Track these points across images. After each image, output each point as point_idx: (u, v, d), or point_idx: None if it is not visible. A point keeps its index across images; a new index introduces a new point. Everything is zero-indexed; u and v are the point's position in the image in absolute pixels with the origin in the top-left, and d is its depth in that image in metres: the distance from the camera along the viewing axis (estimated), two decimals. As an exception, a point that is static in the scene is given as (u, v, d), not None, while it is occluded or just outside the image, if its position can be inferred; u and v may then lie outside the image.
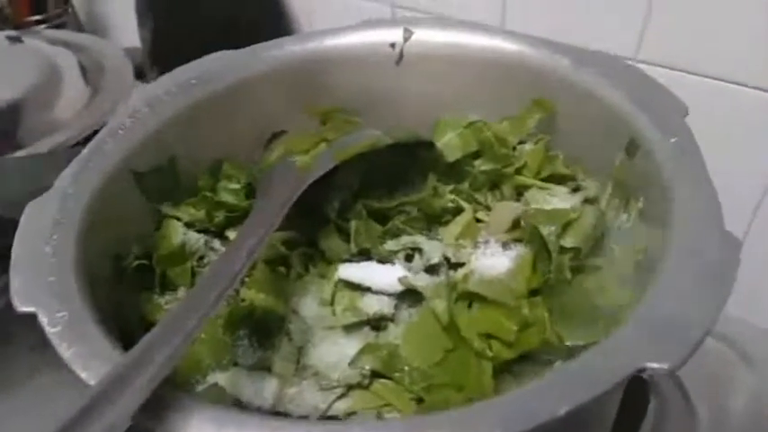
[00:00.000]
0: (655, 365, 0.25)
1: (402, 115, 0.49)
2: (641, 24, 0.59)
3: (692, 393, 0.56)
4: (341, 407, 0.34)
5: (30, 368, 0.51)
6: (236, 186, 0.46)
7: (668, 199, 0.34)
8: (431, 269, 0.38)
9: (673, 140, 0.36)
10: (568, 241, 0.38)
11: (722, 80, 0.57)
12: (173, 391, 0.26)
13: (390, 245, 0.39)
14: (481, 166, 0.46)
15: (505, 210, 0.40)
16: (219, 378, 0.34)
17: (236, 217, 0.44)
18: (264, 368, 0.35)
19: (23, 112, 0.68)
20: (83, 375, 0.27)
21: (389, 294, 0.37)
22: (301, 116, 0.50)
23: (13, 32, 0.79)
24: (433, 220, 0.44)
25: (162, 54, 0.80)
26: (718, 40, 0.55)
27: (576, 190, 0.43)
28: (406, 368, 0.34)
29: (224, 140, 0.47)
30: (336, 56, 0.49)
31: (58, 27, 0.93)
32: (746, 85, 0.56)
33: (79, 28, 1.00)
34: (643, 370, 0.25)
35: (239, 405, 0.34)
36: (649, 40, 0.59)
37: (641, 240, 0.38)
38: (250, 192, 0.45)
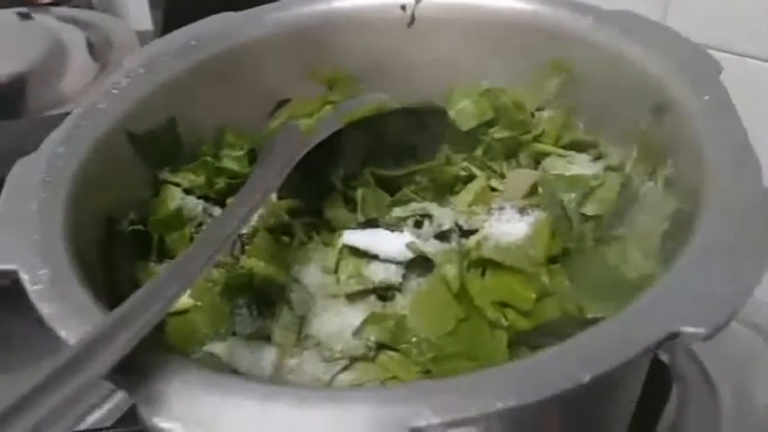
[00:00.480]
0: (690, 329, 0.22)
1: (413, 83, 0.47)
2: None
3: (716, 378, 0.54)
4: (344, 379, 0.32)
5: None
6: (239, 153, 0.44)
7: (701, 161, 0.32)
8: (441, 236, 0.36)
9: (706, 98, 0.33)
10: (590, 209, 0.36)
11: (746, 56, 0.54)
12: (159, 353, 0.24)
13: (398, 211, 0.37)
14: (496, 133, 0.43)
15: (522, 176, 0.37)
16: (216, 347, 0.32)
17: (238, 184, 0.41)
18: (264, 338, 0.33)
19: (29, 85, 0.67)
20: (62, 334, 0.25)
21: (397, 262, 0.35)
22: (307, 83, 0.48)
23: (23, 9, 0.79)
24: (445, 190, 0.41)
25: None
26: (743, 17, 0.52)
27: (597, 158, 0.41)
28: (414, 339, 0.32)
29: (226, 107, 0.45)
30: (344, 18, 0.46)
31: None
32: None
33: (90, 9, 0.98)
34: (676, 334, 0.22)
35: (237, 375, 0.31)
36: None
37: (668, 208, 0.35)
38: (253, 158, 0.43)
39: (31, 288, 0.27)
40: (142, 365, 0.24)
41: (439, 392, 0.21)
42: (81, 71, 0.72)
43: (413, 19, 0.47)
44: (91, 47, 0.76)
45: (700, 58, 0.37)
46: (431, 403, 0.21)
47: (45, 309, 0.26)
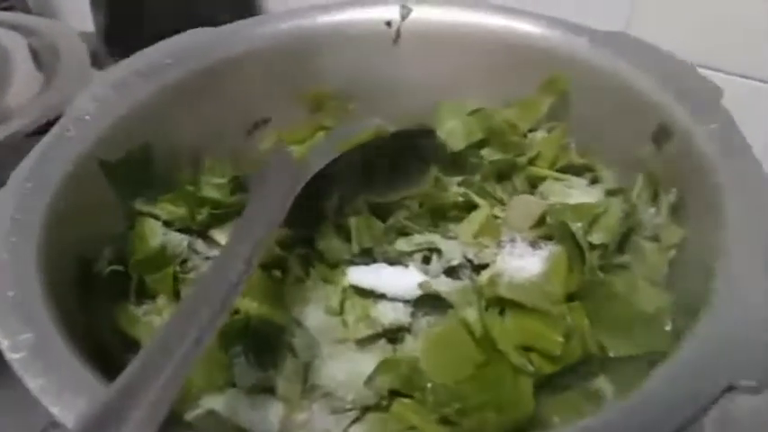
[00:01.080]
0: (747, 383, 0.21)
1: (399, 101, 0.45)
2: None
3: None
4: (356, 432, 0.29)
5: None
6: (221, 181, 0.41)
7: (713, 191, 0.31)
8: (450, 271, 0.34)
9: (713, 126, 0.33)
10: (596, 237, 0.35)
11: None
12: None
13: (402, 244, 0.35)
14: (489, 156, 0.42)
15: (527, 204, 0.36)
16: (214, 403, 0.29)
17: (222, 214, 0.38)
18: (266, 390, 0.30)
19: (-34, 99, 0.61)
20: (54, 411, 0.22)
21: (405, 301, 0.33)
22: (288, 102, 0.45)
23: (-45, 14, 0.72)
24: (439, 216, 0.39)
25: (119, 39, 0.74)
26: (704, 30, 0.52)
27: (594, 182, 0.40)
28: (429, 385, 0.30)
29: (203, 128, 0.42)
30: (327, 35, 0.44)
31: (4, 9, 0.85)
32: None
33: (27, 12, 0.92)
34: (731, 388, 0.21)
35: (241, 432, 0.29)
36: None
37: (674, 237, 0.35)
38: (236, 186, 0.40)
39: (13, 357, 0.23)
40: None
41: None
42: (26, 82, 0.67)
43: (398, 35, 0.45)
44: (35, 55, 0.70)
45: (699, 82, 0.36)
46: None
47: (31, 382, 0.22)
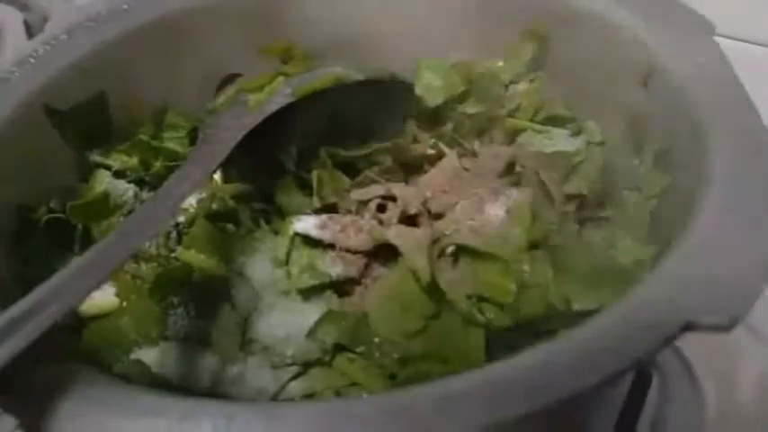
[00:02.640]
0: (709, 319, 0.18)
1: (376, 58, 0.42)
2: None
3: (699, 373, 0.50)
4: (296, 388, 0.27)
5: None
6: (181, 134, 0.39)
7: (700, 132, 0.28)
8: (408, 221, 0.31)
9: (701, 60, 0.29)
10: (572, 187, 0.32)
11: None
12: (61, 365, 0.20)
13: (357, 194, 0.33)
14: (468, 108, 0.39)
15: (495, 152, 0.33)
16: (145, 354, 0.27)
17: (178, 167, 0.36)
18: (202, 343, 0.28)
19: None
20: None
21: (357, 252, 0.30)
22: (258, 57, 0.43)
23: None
24: (411, 170, 0.37)
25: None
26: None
27: (577, 133, 0.37)
28: (377, 340, 0.27)
29: (166, 82, 0.40)
30: (299, -15, 0.42)
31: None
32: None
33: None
34: (692, 326, 0.18)
35: (169, 387, 0.27)
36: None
37: (658, 186, 0.31)
38: (195, 138, 0.38)
39: None
40: (34, 380, 0.19)
41: (409, 406, 0.17)
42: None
43: (375, -14, 0.42)
44: (29, 29, 0.70)
45: (689, 17, 0.33)
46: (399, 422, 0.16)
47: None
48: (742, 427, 0.48)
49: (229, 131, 0.32)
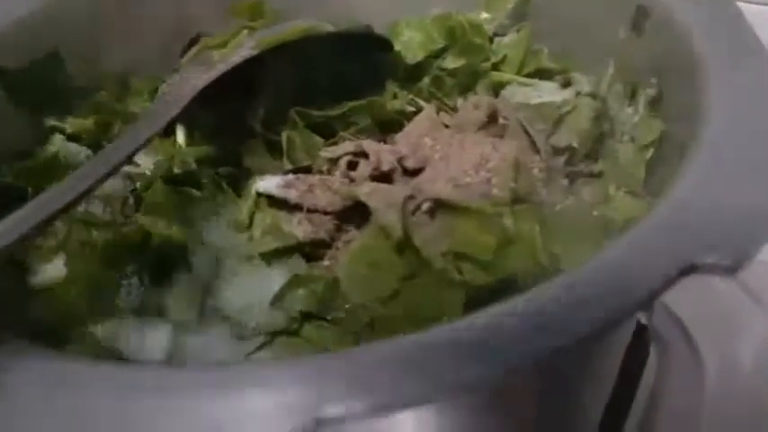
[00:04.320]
0: (711, 260, 0.16)
1: (352, 17, 0.40)
2: None
3: (698, 340, 0.48)
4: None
5: None
6: (144, 97, 0.36)
7: (696, 72, 0.26)
8: (382, 178, 0.29)
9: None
10: (560, 139, 0.30)
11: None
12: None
13: (328, 152, 0.30)
14: (450, 63, 0.37)
15: (476, 103, 0.30)
16: (96, 327, 0.25)
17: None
18: (158, 314, 0.26)
19: None
20: None
21: (327, 213, 0.28)
22: (227, 18, 0.40)
23: None
24: (390, 129, 0.34)
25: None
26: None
27: (566, 85, 0.34)
28: (348, 306, 0.25)
29: (130, 42, 0.38)
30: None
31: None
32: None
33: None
34: (694, 267, 0.16)
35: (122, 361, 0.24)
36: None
37: (652, 134, 0.29)
38: (157, 98, 0.35)
39: None
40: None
41: (361, 365, 0.15)
42: None
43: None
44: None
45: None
46: (345, 383, 0.14)
47: None
48: (742, 398, 0.46)
49: (188, 87, 0.30)
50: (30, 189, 0.30)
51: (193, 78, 0.31)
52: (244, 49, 0.32)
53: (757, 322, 0.51)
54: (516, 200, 0.26)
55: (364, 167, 0.28)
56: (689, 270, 0.16)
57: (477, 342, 0.15)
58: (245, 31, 0.35)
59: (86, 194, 0.23)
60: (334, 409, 0.14)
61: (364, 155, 0.29)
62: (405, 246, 0.24)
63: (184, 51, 0.40)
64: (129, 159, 0.26)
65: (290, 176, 0.29)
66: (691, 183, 0.19)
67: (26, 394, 0.17)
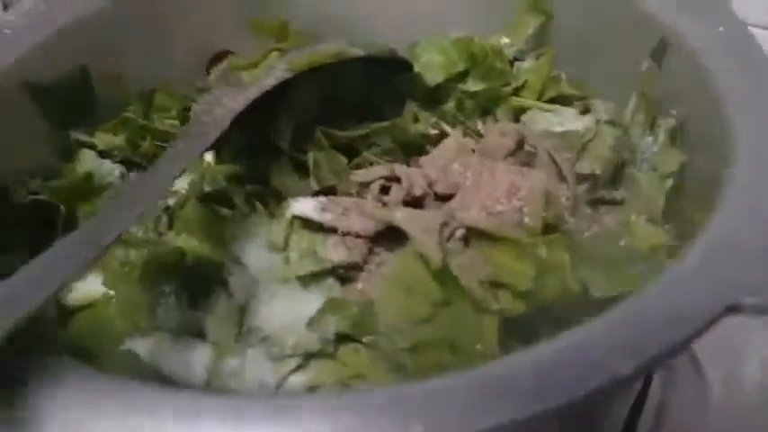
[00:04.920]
0: (753, 301, 0.17)
1: (372, 38, 0.40)
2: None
3: (702, 358, 0.49)
4: (298, 381, 0.25)
5: None
6: (172, 114, 0.37)
7: (718, 104, 0.27)
8: (413, 203, 0.30)
9: (720, 29, 0.28)
10: (584, 167, 0.31)
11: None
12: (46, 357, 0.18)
13: (359, 176, 0.31)
14: (471, 86, 0.37)
15: (504, 131, 0.31)
16: (135, 345, 0.26)
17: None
18: (196, 334, 0.26)
19: None
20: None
21: (360, 236, 0.28)
22: (249, 34, 0.41)
23: None
24: (412, 152, 0.35)
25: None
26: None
27: (585, 112, 0.35)
28: (383, 329, 0.26)
29: (153, 59, 0.38)
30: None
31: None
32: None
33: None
34: (736, 308, 0.17)
35: (162, 380, 0.25)
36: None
37: (672, 164, 0.30)
38: (186, 118, 0.36)
39: None
40: (16, 373, 0.17)
41: (430, 400, 0.15)
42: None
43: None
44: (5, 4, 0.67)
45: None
46: (422, 417, 0.15)
47: None
48: (746, 413, 0.47)
49: (223, 109, 0.30)
50: (62, 207, 0.31)
51: (226, 99, 0.32)
52: (276, 71, 0.33)
53: (760, 340, 0.52)
54: (546, 228, 0.27)
55: (397, 192, 0.29)
56: (732, 310, 0.17)
57: (535, 380, 0.16)
58: (275, 54, 0.35)
59: (137, 221, 0.23)
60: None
61: (396, 179, 0.30)
62: (442, 273, 0.25)
63: (209, 67, 0.41)
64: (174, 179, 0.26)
65: (324, 199, 0.29)
66: (729, 221, 0.20)
67: (74, 415, 0.17)
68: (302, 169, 0.34)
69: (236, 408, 0.17)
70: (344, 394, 0.20)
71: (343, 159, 0.34)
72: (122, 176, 0.32)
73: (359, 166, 0.34)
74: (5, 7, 0.66)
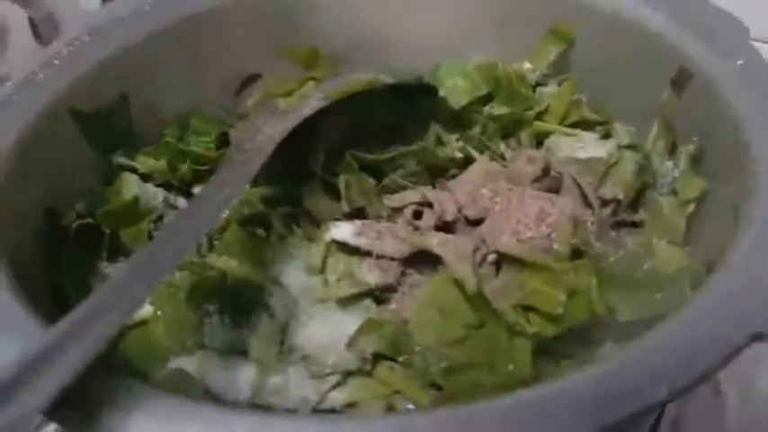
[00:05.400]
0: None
1: (399, 61, 0.42)
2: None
3: (720, 376, 0.50)
4: (337, 398, 0.27)
5: None
6: (207, 139, 0.38)
7: (739, 133, 0.28)
8: (444, 228, 0.31)
9: (739, 63, 0.29)
10: (607, 192, 0.32)
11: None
12: (111, 378, 0.19)
13: (392, 200, 0.32)
14: (494, 110, 0.39)
15: (530, 157, 0.32)
16: (184, 363, 0.27)
17: (206, 171, 0.36)
18: (240, 352, 0.28)
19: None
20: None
21: (394, 259, 0.30)
22: (278, 58, 0.42)
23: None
24: (437, 174, 0.36)
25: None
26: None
27: (606, 137, 0.37)
28: (418, 349, 0.27)
29: (187, 84, 0.40)
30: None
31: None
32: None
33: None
34: (761, 335, 0.18)
35: (210, 396, 0.26)
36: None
37: (693, 190, 0.31)
38: (223, 142, 0.37)
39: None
40: (88, 395, 0.19)
41: (469, 424, 0.17)
42: (22, 53, 0.65)
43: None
44: (34, 26, 0.69)
45: (723, 19, 0.33)
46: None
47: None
48: (762, 428, 0.48)
49: (264, 136, 0.32)
50: (107, 230, 0.32)
51: (267, 127, 0.33)
52: (312, 99, 0.34)
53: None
54: (574, 253, 0.28)
55: (429, 217, 0.30)
56: (757, 338, 0.18)
57: (573, 404, 0.17)
58: (311, 82, 0.37)
59: (193, 246, 0.24)
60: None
61: (428, 204, 0.31)
62: (477, 297, 0.26)
63: (239, 91, 0.43)
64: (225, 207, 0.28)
65: (359, 224, 0.30)
66: (751, 250, 0.22)
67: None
68: (332, 191, 0.36)
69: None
70: (387, 417, 0.21)
71: (372, 181, 0.36)
72: (165, 200, 0.34)
73: (385, 188, 0.35)
74: (36, 34, 0.68)
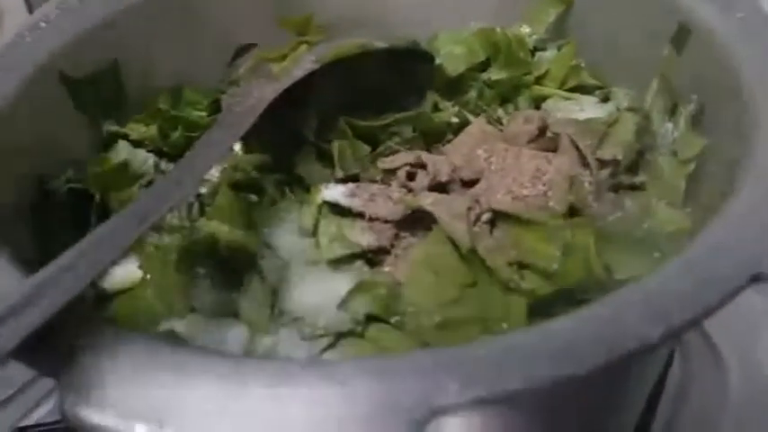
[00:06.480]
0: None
1: (395, 30, 0.41)
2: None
3: (720, 343, 0.50)
4: (329, 359, 0.26)
5: None
6: (201, 107, 0.38)
7: (739, 90, 0.27)
8: (438, 188, 0.30)
9: (739, 15, 0.28)
10: (606, 153, 0.31)
11: None
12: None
13: (385, 163, 0.32)
14: (493, 75, 0.38)
15: (527, 116, 0.32)
16: (175, 325, 0.27)
17: (198, 138, 0.35)
18: (230, 314, 0.27)
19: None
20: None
21: (387, 221, 0.29)
22: (271, 28, 0.41)
23: None
24: (434, 141, 0.36)
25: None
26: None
27: (605, 100, 0.36)
28: (411, 310, 0.26)
29: (180, 53, 0.39)
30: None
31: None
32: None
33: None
34: (759, 276, 0.17)
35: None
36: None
37: (692, 149, 0.31)
38: (215, 109, 0.37)
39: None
40: (69, 340, 0.18)
41: (466, 361, 0.16)
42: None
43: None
44: (30, 7, 0.68)
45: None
46: (457, 375, 0.15)
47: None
48: (764, 400, 0.47)
49: (254, 99, 0.31)
50: (96, 196, 0.32)
51: (256, 90, 0.32)
52: (305, 62, 0.33)
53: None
54: (571, 212, 0.27)
55: (422, 178, 0.30)
56: (756, 279, 0.18)
57: (567, 344, 0.17)
58: (304, 46, 0.36)
59: (175, 207, 0.24)
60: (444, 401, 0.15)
61: (422, 165, 0.30)
62: (470, 255, 0.26)
63: (232, 60, 0.42)
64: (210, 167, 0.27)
65: (352, 185, 0.30)
66: (749, 200, 0.21)
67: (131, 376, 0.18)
68: (326, 158, 0.35)
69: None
70: (384, 357, 0.20)
71: (366, 148, 0.35)
72: (155, 166, 0.33)
73: (380, 156, 0.35)
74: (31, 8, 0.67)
